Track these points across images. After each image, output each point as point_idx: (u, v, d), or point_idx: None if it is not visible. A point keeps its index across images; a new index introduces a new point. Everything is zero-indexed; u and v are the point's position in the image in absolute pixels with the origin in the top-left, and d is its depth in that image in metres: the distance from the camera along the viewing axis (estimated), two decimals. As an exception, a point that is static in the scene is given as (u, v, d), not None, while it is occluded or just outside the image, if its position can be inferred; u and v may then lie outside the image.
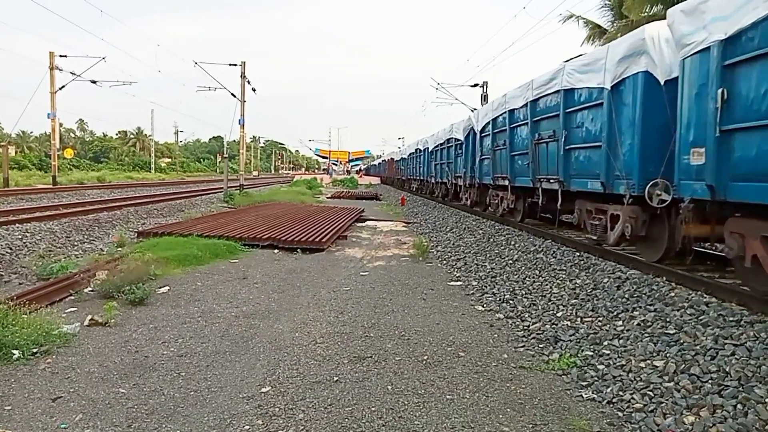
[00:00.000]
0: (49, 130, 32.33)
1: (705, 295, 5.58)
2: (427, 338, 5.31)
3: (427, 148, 25.44)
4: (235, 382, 4.15)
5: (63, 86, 30.49)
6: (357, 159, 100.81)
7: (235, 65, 28.78)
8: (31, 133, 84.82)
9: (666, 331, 4.84)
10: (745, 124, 4.91)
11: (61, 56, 30.09)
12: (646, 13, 19.73)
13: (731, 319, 4.81)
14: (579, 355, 4.74)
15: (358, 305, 6.53)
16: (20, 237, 10.40)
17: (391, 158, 49.07)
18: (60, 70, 30.11)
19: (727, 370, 3.93)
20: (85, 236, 11.74)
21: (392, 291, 7.36)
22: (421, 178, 28.58)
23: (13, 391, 3.91)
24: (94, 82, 31.22)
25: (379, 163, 68.21)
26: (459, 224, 14.81)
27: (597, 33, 23.39)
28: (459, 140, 18.18)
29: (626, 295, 6.07)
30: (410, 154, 33.27)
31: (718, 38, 5.16)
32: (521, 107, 11.51)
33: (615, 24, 22.48)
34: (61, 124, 54.12)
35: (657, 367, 4.23)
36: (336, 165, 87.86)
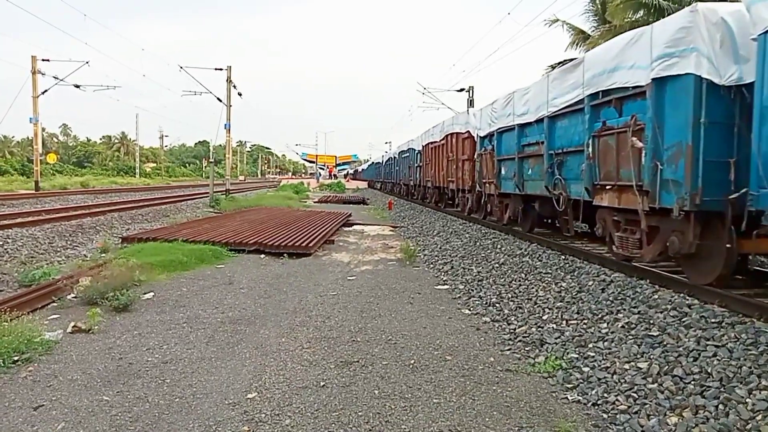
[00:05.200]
0: (32, 135, 31.93)
1: (687, 297, 5.65)
2: (414, 342, 5.32)
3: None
4: (220, 389, 4.12)
5: (45, 90, 30.25)
6: (344, 163, 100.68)
7: (221, 69, 28.70)
8: (13, 137, 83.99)
9: (650, 333, 4.89)
10: None
11: (43, 60, 29.86)
12: (629, 19, 20.03)
13: (713, 320, 4.88)
14: (564, 357, 4.77)
15: (345, 310, 6.52)
16: (1, 243, 10.24)
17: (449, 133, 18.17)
18: (42, 74, 29.87)
19: (709, 371, 3.99)
20: (69, 242, 11.59)
21: (379, 295, 7.36)
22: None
23: (-6, 400, 3.85)
24: (77, 86, 31.05)
25: (389, 160, 41.60)
26: (446, 228, 14.85)
27: (581, 38, 23.67)
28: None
29: (611, 298, 6.13)
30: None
31: None
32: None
33: (599, 29, 22.76)
34: (43, 129, 53.42)
35: (641, 368, 4.28)
36: (323, 169, 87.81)
